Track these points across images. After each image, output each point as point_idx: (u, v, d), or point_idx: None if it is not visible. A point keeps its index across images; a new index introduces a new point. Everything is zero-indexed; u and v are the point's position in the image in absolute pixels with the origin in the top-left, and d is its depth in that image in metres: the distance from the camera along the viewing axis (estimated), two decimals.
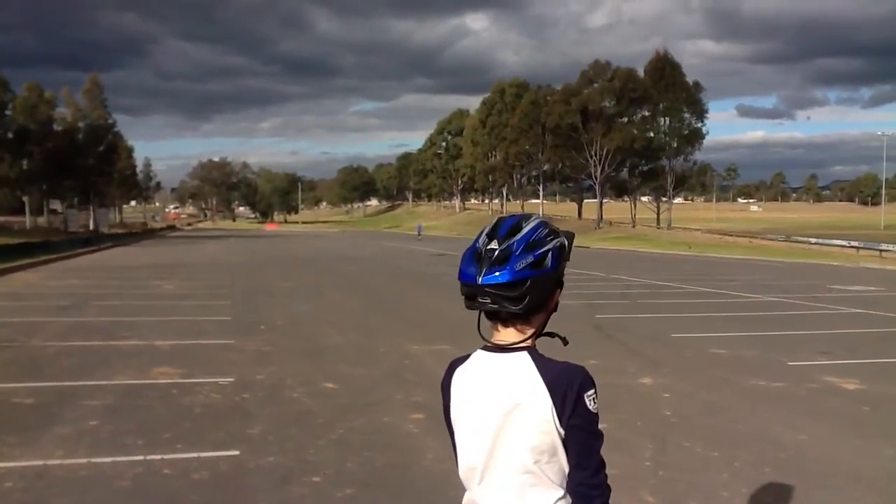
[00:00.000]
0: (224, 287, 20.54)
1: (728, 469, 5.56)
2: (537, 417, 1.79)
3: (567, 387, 1.79)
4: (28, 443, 6.10)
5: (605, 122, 73.42)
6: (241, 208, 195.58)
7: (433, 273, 26.82)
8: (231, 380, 8.54)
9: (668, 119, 75.02)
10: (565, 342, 1.97)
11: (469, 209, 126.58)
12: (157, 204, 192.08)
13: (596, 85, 76.87)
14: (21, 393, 7.88)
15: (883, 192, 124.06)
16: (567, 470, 1.83)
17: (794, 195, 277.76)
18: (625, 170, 79.13)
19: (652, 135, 75.64)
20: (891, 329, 13.49)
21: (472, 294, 1.85)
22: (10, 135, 65.94)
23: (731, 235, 63.86)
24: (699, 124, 74.87)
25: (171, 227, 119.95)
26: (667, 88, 72.19)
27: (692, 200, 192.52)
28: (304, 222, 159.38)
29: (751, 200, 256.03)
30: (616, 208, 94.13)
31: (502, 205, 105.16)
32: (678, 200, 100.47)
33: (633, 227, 73.68)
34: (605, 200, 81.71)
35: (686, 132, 74.54)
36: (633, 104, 74.95)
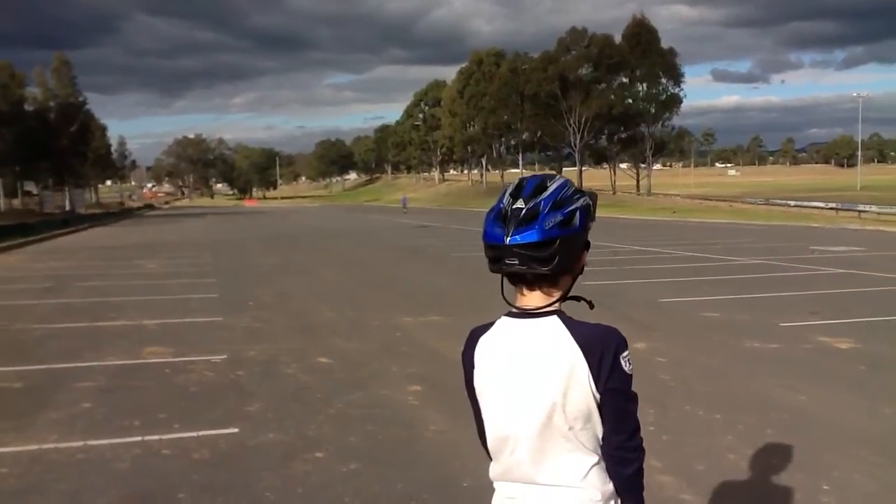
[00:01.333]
0: (208, 265, 20.33)
1: (731, 432, 5.55)
2: (573, 382, 1.73)
3: (603, 349, 1.74)
4: (21, 428, 5.97)
5: (583, 89, 73.25)
6: (219, 185, 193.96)
7: (418, 245, 26.72)
8: (224, 357, 8.44)
9: (645, 85, 75.02)
10: (591, 305, 1.91)
11: (448, 180, 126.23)
12: (133, 183, 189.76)
13: (573, 52, 76.54)
14: (9, 377, 7.74)
15: (859, 153, 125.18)
16: (601, 434, 1.78)
17: (770, 159, 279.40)
18: (604, 137, 79.20)
19: (630, 101, 75.61)
20: (876, 288, 13.59)
21: (498, 256, 1.78)
22: None
23: (711, 200, 64.16)
24: (676, 90, 74.93)
25: (149, 206, 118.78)
26: (643, 54, 72.08)
27: (670, 166, 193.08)
28: (283, 198, 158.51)
29: (728, 165, 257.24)
30: (596, 175, 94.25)
31: (482, 175, 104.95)
32: (657, 167, 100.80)
33: (614, 193, 73.82)
34: (584, 168, 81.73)
35: (664, 98, 74.62)
36: (611, 71, 74.80)
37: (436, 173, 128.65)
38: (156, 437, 5.62)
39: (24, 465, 5.14)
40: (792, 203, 52.22)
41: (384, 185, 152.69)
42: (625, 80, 76.51)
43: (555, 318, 1.78)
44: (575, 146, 76.21)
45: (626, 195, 71.51)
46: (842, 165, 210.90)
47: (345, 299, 13.26)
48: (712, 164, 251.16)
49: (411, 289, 14.83)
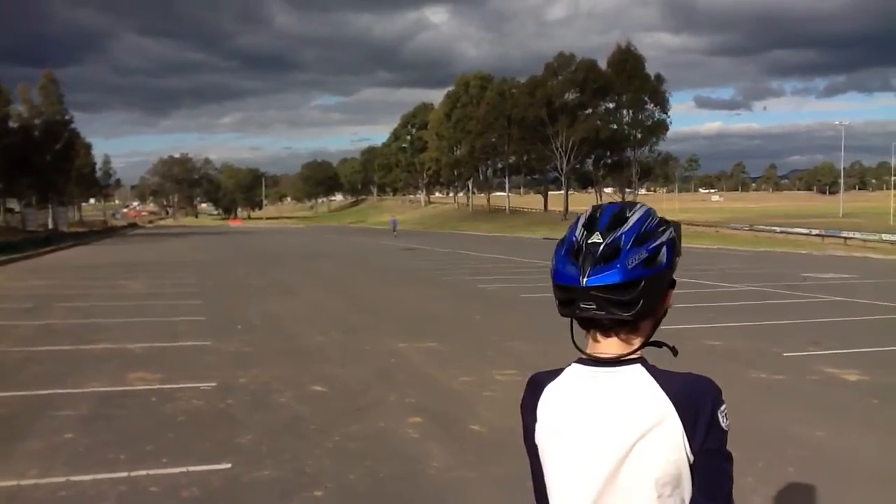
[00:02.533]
0: (193, 285, 19.94)
1: (752, 471, 5.28)
2: (665, 444, 1.45)
3: (699, 404, 1.46)
4: None
5: (569, 113, 73.58)
6: (204, 205, 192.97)
7: (406, 268, 26.43)
8: (213, 384, 8.10)
9: (631, 111, 75.49)
10: (675, 352, 1.61)
11: (434, 203, 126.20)
12: (118, 202, 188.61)
13: (560, 77, 76.94)
14: None
15: (841, 180, 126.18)
16: (687, 501, 1.50)
17: (753, 185, 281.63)
18: (590, 161, 79.48)
19: (615, 127, 76.00)
20: (874, 317, 13.42)
21: (571, 299, 1.50)
22: None
23: (698, 225, 64.28)
24: (663, 116, 75.43)
25: (133, 225, 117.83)
26: (629, 80, 72.57)
27: (654, 191, 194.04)
28: (268, 218, 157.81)
29: (712, 191, 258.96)
30: (581, 200, 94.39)
31: (468, 198, 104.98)
32: (641, 192, 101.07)
33: None
34: (569, 192, 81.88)
35: (649, 123, 75.08)
36: (597, 96, 75.20)
37: (422, 195, 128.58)
38: (143, 473, 5.29)
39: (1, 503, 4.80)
40: (778, 229, 52.37)
41: (370, 206, 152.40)
42: (611, 105, 76.98)
43: (639, 367, 1.51)
44: (561, 170, 76.36)
45: None
46: (823, 192, 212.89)
47: (335, 323, 12.94)
48: (696, 190, 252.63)
49: (403, 313, 14.52)
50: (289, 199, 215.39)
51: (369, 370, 8.92)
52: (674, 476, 1.47)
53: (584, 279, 1.47)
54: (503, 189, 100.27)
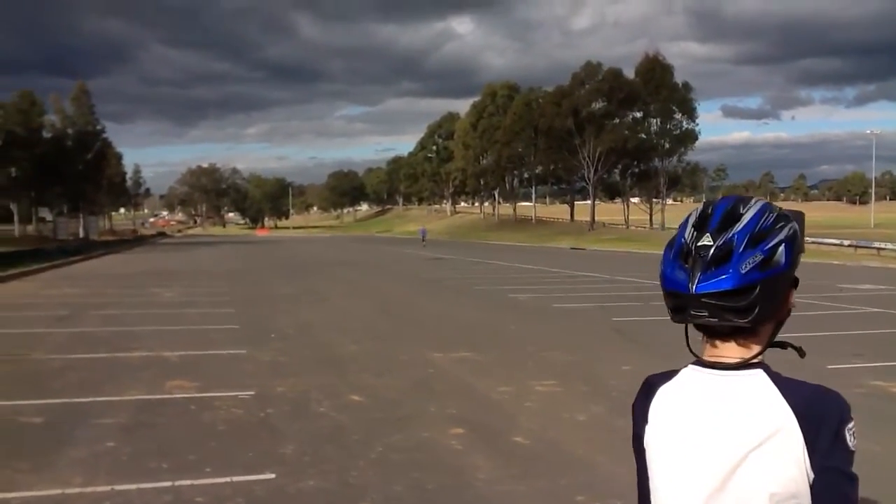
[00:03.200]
0: (225, 294, 20.01)
1: None
2: (783, 457, 1.33)
3: (823, 417, 1.34)
4: (42, 468, 5.61)
5: (596, 123, 73.27)
6: (231, 214, 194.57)
7: (435, 277, 26.36)
8: (251, 393, 8.06)
9: (658, 120, 75.02)
10: (802, 353, 1.52)
11: (459, 212, 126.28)
12: (147, 211, 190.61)
13: (587, 86, 76.69)
14: (28, 411, 7.38)
15: (872, 190, 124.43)
16: None
17: (782, 195, 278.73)
18: (617, 171, 79.06)
19: (643, 136, 75.55)
20: None
21: (681, 306, 1.40)
22: None
23: None
24: (691, 125, 74.86)
25: (162, 234, 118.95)
26: (657, 90, 72.14)
27: (681, 201, 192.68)
28: (294, 227, 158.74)
29: None
30: (607, 210, 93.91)
31: (494, 207, 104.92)
32: (668, 201, 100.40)
33: (627, 228, 73.48)
34: (596, 202, 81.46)
35: (677, 133, 74.53)
36: (623, 105, 74.79)
37: (447, 205, 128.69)
38: (187, 483, 5.23)
39: None
40: (809, 240, 51.67)
41: (395, 216, 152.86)
42: (638, 114, 76.56)
43: (760, 372, 1.40)
44: (589, 180, 76.02)
45: (640, 230, 71.16)
46: (854, 202, 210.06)
47: (368, 332, 12.89)
48: None
49: (435, 322, 14.44)
50: (315, 208, 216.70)
51: (406, 380, 8.84)
52: (791, 493, 1.35)
53: (694, 286, 1.37)
54: (529, 199, 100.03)
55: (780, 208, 1.47)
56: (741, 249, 1.37)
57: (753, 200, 1.46)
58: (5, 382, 8.80)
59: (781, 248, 1.39)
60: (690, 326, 1.48)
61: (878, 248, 42.77)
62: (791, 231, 1.41)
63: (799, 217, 1.48)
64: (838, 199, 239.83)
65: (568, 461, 5.81)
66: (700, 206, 1.52)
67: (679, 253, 1.43)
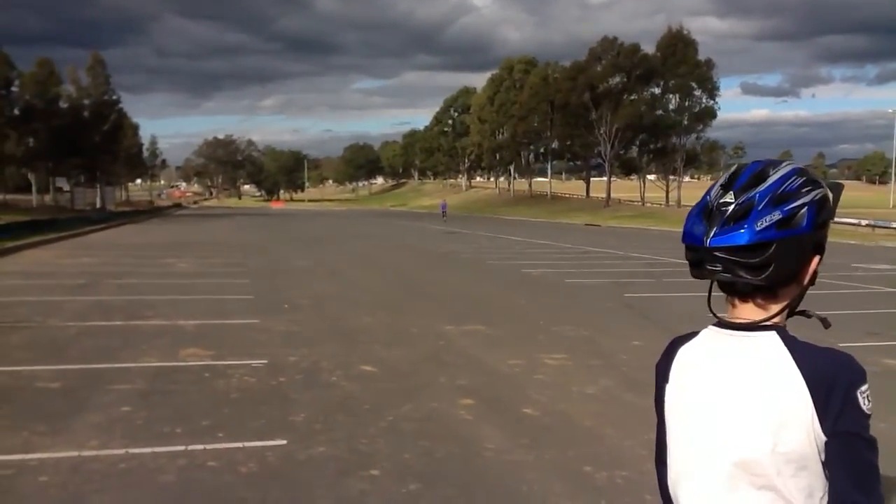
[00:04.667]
0: (240, 265, 20.14)
1: None
2: (791, 419, 1.36)
3: (833, 380, 1.36)
4: (59, 431, 5.72)
5: (613, 99, 72.61)
6: (247, 186, 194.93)
7: (449, 251, 26.39)
8: (264, 362, 8.16)
9: (677, 96, 74.17)
10: (826, 324, 1.54)
11: (475, 187, 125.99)
12: (163, 182, 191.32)
13: (604, 62, 75.90)
14: (45, 376, 7.50)
15: (893, 170, 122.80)
16: (818, 493, 1.40)
17: None
18: (634, 148, 78.47)
19: (661, 113, 74.81)
20: None
21: (698, 260, 1.44)
22: (16, 112, 65.45)
23: None
24: (711, 102, 73.94)
25: (178, 206, 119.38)
26: (677, 65, 71.24)
27: (698, 179, 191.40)
28: (309, 200, 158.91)
29: None
30: (622, 186, 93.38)
31: (509, 183, 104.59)
32: (685, 179, 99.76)
33: (643, 205, 73.09)
34: (612, 179, 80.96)
35: (696, 110, 73.70)
36: (641, 81, 73.96)
37: (463, 180, 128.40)
38: (200, 447, 5.33)
39: (64, 474, 4.86)
40: None
41: (411, 190, 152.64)
42: (656, 90, 75.75)
43: (773, 334, 1.43)
44: (605, 156, 75.53)
45: (656, 207, 70.75)
46: (873, 182, 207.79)
47: (380, 304, 12.96)
48: None
49: (448, 295, 14.49)
50: (330, 181, 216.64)
51: (417, 352, 8.91)
52: (799, 455, 1.38)
53: (708, 239, 1.41)
54: (545, 175, 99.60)
55: (815, 175, 1.47)
56: (760, 207, 1.39)
57: (784, 164, 1.48)
58: (24, 348, 8.94)
59: (804, 210, 1.40)
60: (715, 288, 1.52)
61: None
62: (818, 196, 1.42)
63: (836, 188, 1.49)
64: (857, 178, 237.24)
65: (576, 433, 5.86)
66: (733, 166, 1.55)
67: (703, 209, 1.46)
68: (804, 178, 1.44)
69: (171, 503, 4.42)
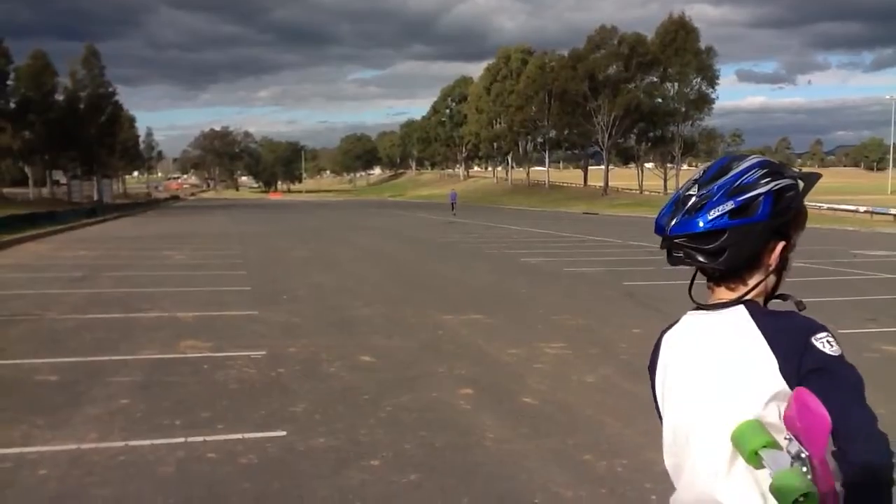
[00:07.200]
0: (237, 257, 20.11)
1: None
2: (757, 380, 1.44)
3: (791, 335, 1.45)
4: (58, 424, 5.70)
5: (612, 87, 72.42)
6: (244, 178, 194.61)
7: (448, 241, 26.37)
8: (263, 353, 8.15)
9: (676, 84, 73.98)
10: (801, 306, 1.61)
11: (473, 177, 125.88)
12: (160, 174, 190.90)
13: (602, 51, 75.67)
14: (44, 369, 7.49)
15: (890, 156, 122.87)
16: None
17: (798, 161, 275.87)
18: (632, 136, 78.35)
19: (660, 100, 74.66)
20: None
21: (667, 248, 1.57)
22: (12, 105, 65.25)
23: None
24: (709, 90, 73.73)
25: (175, 198, 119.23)
26: (676, 53, 70.98)
27: (696, 167, 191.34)
28: (307, 191, 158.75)
29: None
30: (620, 175, 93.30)
31: (507, 172, 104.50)
32: (683, 167, 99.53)
33: (641, 193, 73.07)
34: (610, 167, 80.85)
35: (694, 98, 73.50)
36: (641, 69, 73.76)
37: (460, 170, 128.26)
38: (199, 439, 5.32)
39: (63, 468, 4.84)
40: (824, 205, 51.24)
41: (408, 180, 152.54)
42: (655, 78, 75.51)
43: (741, 308, 1.54)
44: (603, 145, 75.42)
45: (653, 195, 70.73)
46: (871, 168, 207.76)
47: (378, 294, 12.94)
48: None
49: (447, 285, 14.48)
50: (327, 172, 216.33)
51: (416, 341, 8.90)
52: (776, 414, 1.42)
53: (669, 228, 1.54)
54: (542, 164, 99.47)
55: (782, 167, 1.56)
56: (715, 198, 1.50)
57: (748, 158, 1.58)
58: (22, 341, 8.93)
59: (761, 199, 1.50)
60: (698, 276, 1.64)
61: (895, 215, 42.35)
62: (777, 186, 1.51)
63: (810, 177, 1.58)
64: (855, 164, 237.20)
65: (576, 422, 5.85)
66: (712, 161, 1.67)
67: (674, 201, 1.58)
68: (765, 171, 1.53)
69: (171, 495, 4.41)
